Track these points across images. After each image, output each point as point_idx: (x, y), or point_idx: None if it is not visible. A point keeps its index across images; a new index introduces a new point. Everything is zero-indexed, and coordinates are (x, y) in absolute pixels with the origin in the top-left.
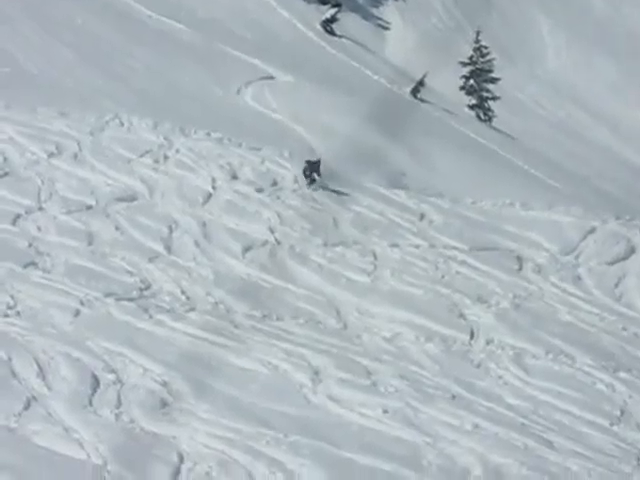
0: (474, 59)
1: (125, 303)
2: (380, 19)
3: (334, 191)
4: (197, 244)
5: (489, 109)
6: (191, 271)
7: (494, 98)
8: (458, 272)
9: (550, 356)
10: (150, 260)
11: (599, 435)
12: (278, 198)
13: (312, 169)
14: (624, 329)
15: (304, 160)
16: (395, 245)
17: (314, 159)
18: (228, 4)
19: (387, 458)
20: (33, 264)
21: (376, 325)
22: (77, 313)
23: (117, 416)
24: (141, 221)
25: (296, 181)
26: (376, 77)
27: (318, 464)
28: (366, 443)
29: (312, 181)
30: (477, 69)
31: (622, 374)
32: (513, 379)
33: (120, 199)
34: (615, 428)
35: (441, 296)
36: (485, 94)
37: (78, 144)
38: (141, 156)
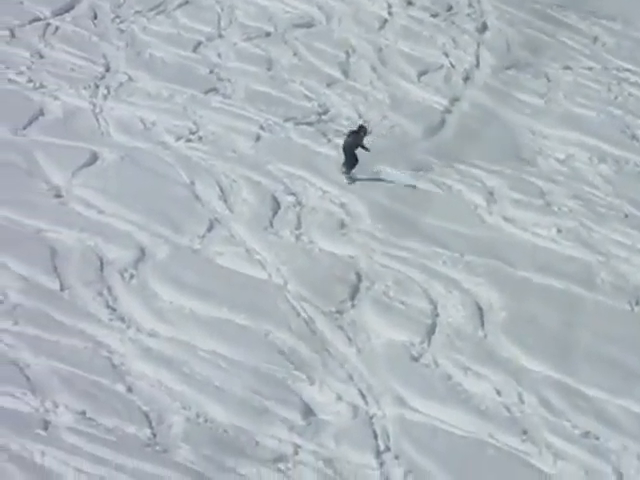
0: None
1: (304, 127)
2: None
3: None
4: (373, 69)
5: None
6: (367, 95)
7: None
8: (630, 94)
9: None
10: (328, 85)
11: None
12: (453, 23)
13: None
14: None
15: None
16: (568, 67)
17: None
18: None
19: (560, 276)
20: (214, 90)
21: (549, 147)
22: (257, 137)
23: (297, 237)
24: (319, 47)
25: (470, 5)
26: None
27: (493, 283)
28: (540, 262)
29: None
30: None
31: None
32: None
33: (298, 25)
34: None
35: (614, 117)
36: None
37: None
38: None
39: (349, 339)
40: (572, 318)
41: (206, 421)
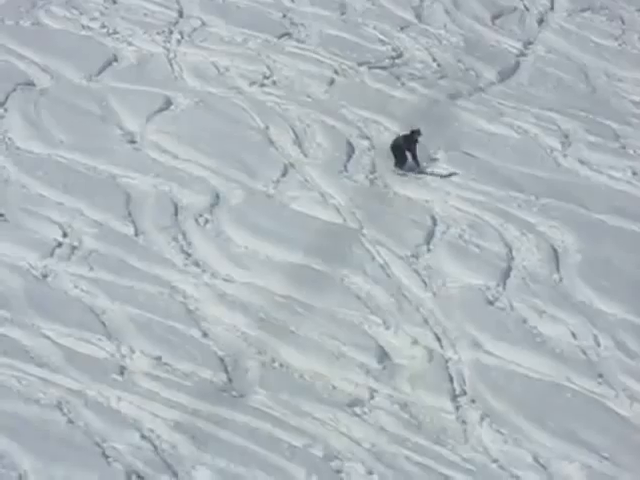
0: None
1: (378, 71)
2: None
3: None
4: (447, 12)
5: None
6: (441, 38)
7: None
8: None
9: None
10: (402, 29)
11: None
12: None
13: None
14: None
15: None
16: None
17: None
18: None
19: (636, 219)
20: (287, 34)
21: (624, 89)
22: (331, 82)
23: (371, 181)
24: None
25: None
26: None
27: (568, 225)
28: (615, 205)
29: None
30: None
31: None
32: None
33: None
34: None
35: None
36: None
37: None
38: None
39: (424, 283)
40: None
41: (282, 366)
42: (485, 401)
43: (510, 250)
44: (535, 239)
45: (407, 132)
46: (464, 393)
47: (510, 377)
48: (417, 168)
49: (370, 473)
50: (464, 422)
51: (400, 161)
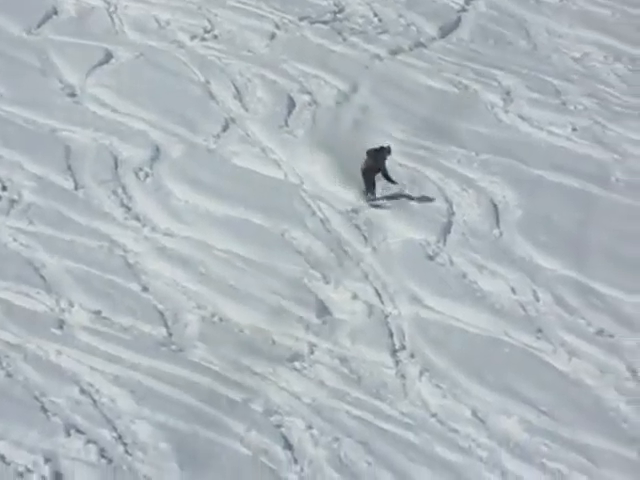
0: None
1: (319, 26)
2: None
3: None
4: None
5: None
6: None
7: None
8: None
9: None
10: None
11: None
12: None
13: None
14: None
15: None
16: None
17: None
18: None
19: (575, 175)
20: None
21: (565, 45)
22: (273, 36)
23: (312, 136)
24: None
25: None
26: None
27: (508, 181)
28: (555, 161)
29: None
30: None
31: None
32: None
33: None
34: None
35: (630, 16)
36: None
37: None
38: None
39: (365, 238)
40: (587, 217)
41: (222, 320)
42: (424, 356)
43: (450, 205)
44: (475, 194)
45: (376, 147)
46: (403, 348)
47: (449, 332)
48: (395, 184)
49: (310, 427)
50: (403, 377)
51: (370, 188)
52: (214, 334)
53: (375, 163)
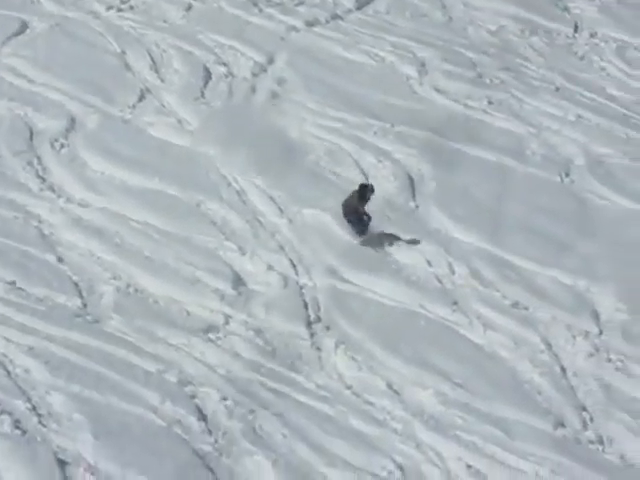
0: None
1: None
2: None
3: None
4: None
5: None
6: None
7: None
8: None
9: None
10: None
11: None
12: None
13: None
14: None
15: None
16: None
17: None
18: None
19: (492, 148)
20: None
21: (481, 18)
22: (189, 7)
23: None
24: None
25: None
26: None
27: (424, 154)
28: (471, 134)
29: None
30: None
31: None
32: (616, 71)
33: None
34: None
35: None
36: None
37: None
38: None
39: (280, 210)
40: (503, 190)
41: (137, 291)
42: (340, 328)
43: (366, 178)
44: (391, 166)
45: (356, 189)
46: (319, 320)
47: (365, 304)
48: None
49: (224, 399)
50: (319, 349)
51: (358, 228)
52: (129, 305)
53: (357, 205)
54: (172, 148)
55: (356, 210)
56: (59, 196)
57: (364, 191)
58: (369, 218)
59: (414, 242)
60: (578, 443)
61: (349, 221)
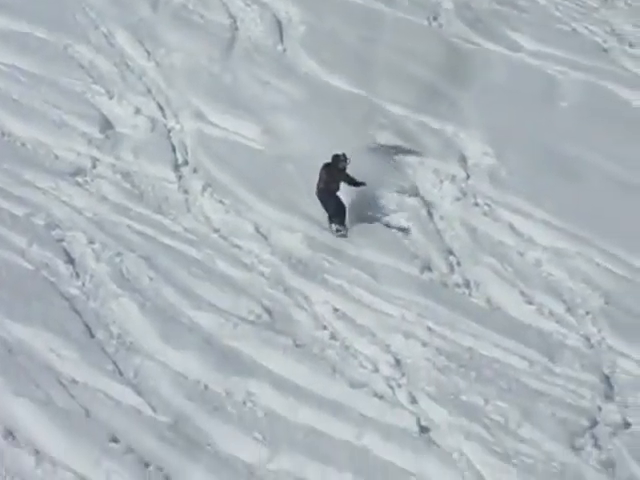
0: None
1: None
2: None
3: None
4: None
5: None
6: None
7: None
8: None
9: None
10: None
11: None
12: None
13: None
14: None
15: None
16: None
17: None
18: None
19: None
20: None
21: None
22: None
23: None
24: None
25: None
26: None
27: None
28: None
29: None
30: None
31: None
32: None
33: None
34: None
35: None
36: None
37: None
38: None
39: (148, 53)
40: (371, 34)
41: (4, 135)
42: (207, 171)
43: (234, 21)
44: (259, 10)
45: (328, 162)
46: (186, 163)
47: (233, 148)
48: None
49: (91, 242)
50: (186, 192)
51: (335, 214)
52: None
53: (332, 178)
54: None
55: (327, 188)
56: None
57: (337, 160)
58: (360, 184)
59: (405, 229)
60: (445, 287)
61: (324, 206)
